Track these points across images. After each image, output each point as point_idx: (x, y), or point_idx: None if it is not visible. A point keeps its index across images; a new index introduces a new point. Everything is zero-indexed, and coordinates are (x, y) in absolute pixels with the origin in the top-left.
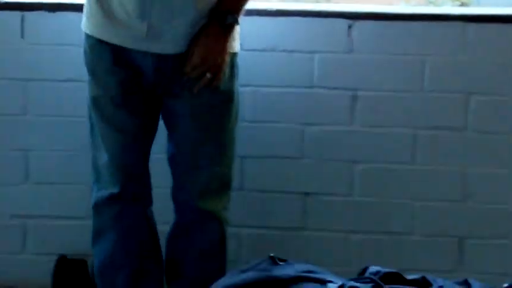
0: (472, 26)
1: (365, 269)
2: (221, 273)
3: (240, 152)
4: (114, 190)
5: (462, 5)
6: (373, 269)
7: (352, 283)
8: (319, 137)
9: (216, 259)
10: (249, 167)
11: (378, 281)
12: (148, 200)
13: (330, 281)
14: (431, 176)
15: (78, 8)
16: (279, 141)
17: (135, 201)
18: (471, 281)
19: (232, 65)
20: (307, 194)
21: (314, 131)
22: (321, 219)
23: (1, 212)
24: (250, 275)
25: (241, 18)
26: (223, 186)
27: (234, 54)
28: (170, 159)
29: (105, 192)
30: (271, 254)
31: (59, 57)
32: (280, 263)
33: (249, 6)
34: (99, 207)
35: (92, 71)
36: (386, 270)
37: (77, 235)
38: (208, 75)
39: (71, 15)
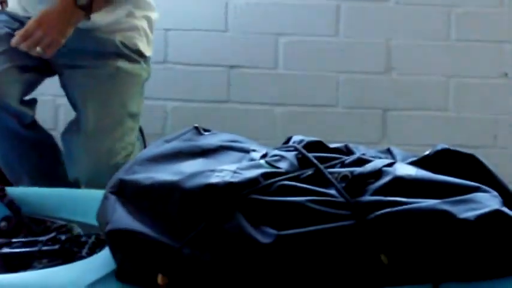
0: None
1: (289, 139)
2: None
3: (164, 25)
4: None
5: None
6: (296, 138)
7: (276, 151)
8: (243, 9)
9: None
10: (173, 40)
11: (301, 149)
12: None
13: (254, 150)
14: (355, 48)
15: None
16: (203, 13)
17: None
18: (393, 149)
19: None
20: (231, 66)
21: (238, 3)
22: (246, 92)
23: None
24: (174, 144)
25: None
26: None
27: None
28: None
29: None
30: (196, 125)
31: None
32: (205, 133)
33: None
34: None
35: None
36: (310, 139)
37: None
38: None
39: None
